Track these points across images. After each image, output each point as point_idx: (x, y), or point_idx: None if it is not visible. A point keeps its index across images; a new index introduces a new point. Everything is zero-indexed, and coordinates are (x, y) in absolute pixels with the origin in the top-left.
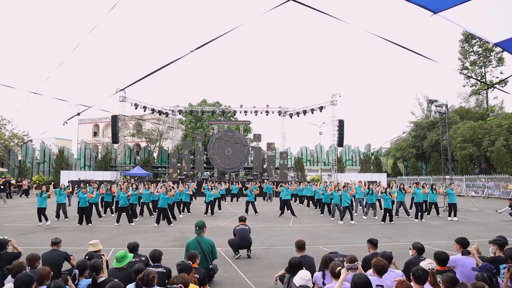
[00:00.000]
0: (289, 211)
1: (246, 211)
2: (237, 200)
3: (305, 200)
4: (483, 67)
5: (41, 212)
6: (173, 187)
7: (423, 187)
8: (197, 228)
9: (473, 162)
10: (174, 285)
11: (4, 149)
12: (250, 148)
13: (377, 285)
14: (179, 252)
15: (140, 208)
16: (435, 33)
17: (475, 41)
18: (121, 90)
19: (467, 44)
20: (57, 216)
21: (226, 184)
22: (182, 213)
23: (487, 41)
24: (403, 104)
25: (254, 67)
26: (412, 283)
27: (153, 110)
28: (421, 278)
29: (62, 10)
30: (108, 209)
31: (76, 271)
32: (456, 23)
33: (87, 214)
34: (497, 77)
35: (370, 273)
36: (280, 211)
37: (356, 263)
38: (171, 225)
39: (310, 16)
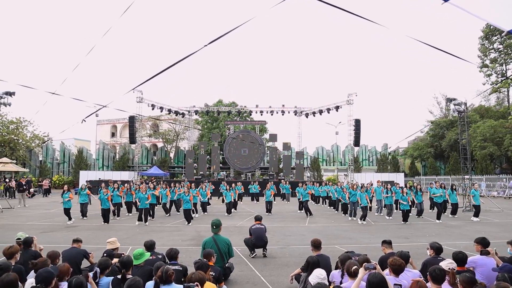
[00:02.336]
0: (305, 211)
1: (267, 210)
2: (257, 200)
3: (321, 200)
4: (504, 65)
5: (66, 212)
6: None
7: (441, 187)
8: (214, 227)
9: (494, 161)
10: (191, 283)
11: (25, 150)
12: (266, 148)
13: (395, 284)
14: (195, 251)
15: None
16: (452, 29)
17: (495, 38)
18: (136, 87)
19: (487, 41)
20: (82, 214)
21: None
22: (196, 214)
23: (500, 28)
24: (420, 103)
25: (269, 67)
26: (429, 283)
27: (169, 111)
28: (438, 277)
29: (79, 12)
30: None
31: (98, 269)
32: (467, 11)
33: (107, 215)
34: None
35: (386, 272)
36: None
37: (374, 262)
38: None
39: (325, 15)
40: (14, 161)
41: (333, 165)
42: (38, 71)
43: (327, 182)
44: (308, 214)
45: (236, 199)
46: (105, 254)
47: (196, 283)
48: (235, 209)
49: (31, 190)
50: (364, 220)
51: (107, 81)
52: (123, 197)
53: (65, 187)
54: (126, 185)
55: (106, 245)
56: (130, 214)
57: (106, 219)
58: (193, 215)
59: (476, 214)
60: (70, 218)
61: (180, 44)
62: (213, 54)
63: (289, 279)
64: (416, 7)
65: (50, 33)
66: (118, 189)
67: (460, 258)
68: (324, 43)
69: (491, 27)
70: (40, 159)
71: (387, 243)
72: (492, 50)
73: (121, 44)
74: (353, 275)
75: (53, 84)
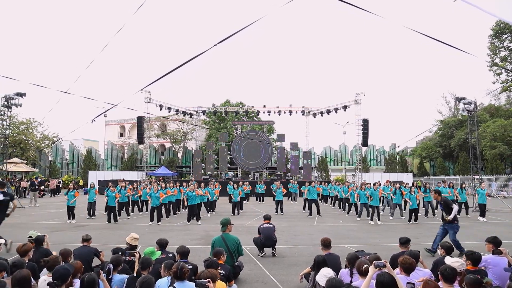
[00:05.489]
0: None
1: (276, 210)
2: (263, 200)
3: (330, 200)
4: None
5: (70, 210)
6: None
7: (450, 186)
8: (222, 226)
9: (504, 161)
10: (202, 279)
11: (35, 150)
12: (274, 148)
13: (407, 283)
14: (204, 250)
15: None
16: (460, 28)
17: (505, 36)
18: (145, 87)
19: (497, 39)
20: (89, 214)
21: (247, 184)
22: (210, 212)
23: None
24: (429, 103)
25: (277, 67)
26: (440, 282)
27: (177, 111)
28: (450, 276)
29: (91, 13)
30: (136, 207)
31: (111, 265)
32: (479, 8)
33: (114, 213)
34: None
35: (397, 271)
36: (308, 211)
37: (384, 260)
38: (199, 223)
39: (333, 14)
40: (25, 161)
41: (341, 165)
42: (46, 73)
43: (334, 182)
44: (310, 213)
45: (244, 198)
46: (117, 253)
47: (208, 279)
48: (241, 208)
49: (42, 188)
50: (372, 219)
51: (116, 82)
52: (130, 197)
53: (70, 185)
54: (134, 184)
55: (115, 244)
56: (140, 214)
57: (109, 218)
58: (208, 215)
59: (482, 214)
60: (72, 217)
61: (189, 45)
62: (221, 54)
63: (298, 278)
64: (426, 5)
65: (58, 34)
66: (125, 188)
67: (474, 258)
68: (332, 43)
69: (501, 25)
70: (50, 159)
71: (404, 242)
72: (502, 49)
73: (130, 45)
74: (364, 273)
75: (61, 85)
